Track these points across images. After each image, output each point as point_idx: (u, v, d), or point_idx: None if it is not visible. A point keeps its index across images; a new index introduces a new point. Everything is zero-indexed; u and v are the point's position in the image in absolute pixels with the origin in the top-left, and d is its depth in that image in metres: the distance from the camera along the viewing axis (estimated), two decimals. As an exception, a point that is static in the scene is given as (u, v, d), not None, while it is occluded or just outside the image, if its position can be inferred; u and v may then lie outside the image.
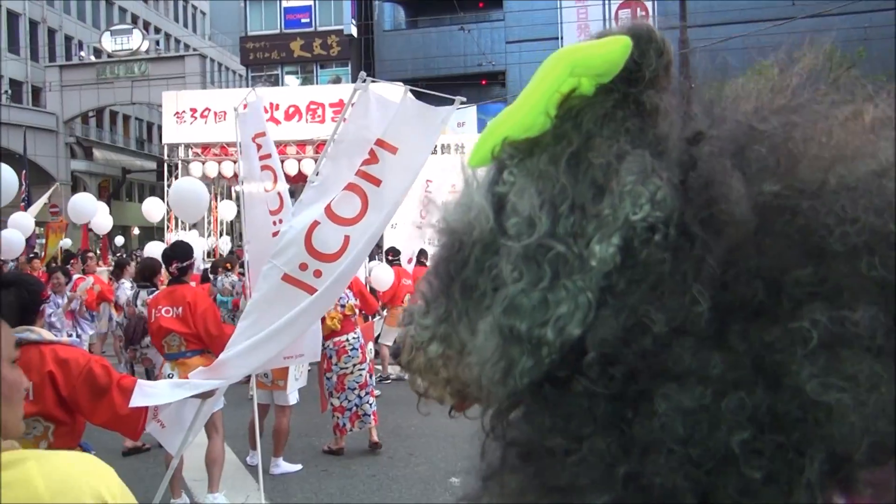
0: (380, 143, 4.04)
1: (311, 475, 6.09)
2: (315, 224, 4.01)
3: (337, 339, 6.55)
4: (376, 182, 4.04)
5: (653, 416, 0.52)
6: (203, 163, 16.44)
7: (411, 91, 4.28)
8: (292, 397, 6.15)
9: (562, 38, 31.05)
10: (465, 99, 4.42)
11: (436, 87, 4.43)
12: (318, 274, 3.98)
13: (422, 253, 11.45)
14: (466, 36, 29.15)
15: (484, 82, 30.07)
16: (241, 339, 3.90)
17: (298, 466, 6.20)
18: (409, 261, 11.31)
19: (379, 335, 9.93)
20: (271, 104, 15.32)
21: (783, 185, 0.54)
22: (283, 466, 6.03)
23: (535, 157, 0.61)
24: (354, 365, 6.59)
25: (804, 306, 0.50)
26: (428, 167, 12.60)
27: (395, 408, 7.63)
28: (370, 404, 6.62)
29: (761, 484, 0.49)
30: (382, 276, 9.57)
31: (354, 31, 32.25)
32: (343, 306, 6.61)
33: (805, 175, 0.54)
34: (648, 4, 30.21)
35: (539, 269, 0.57)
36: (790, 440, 0.49)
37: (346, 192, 4.05)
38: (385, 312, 9.66)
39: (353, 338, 6.65)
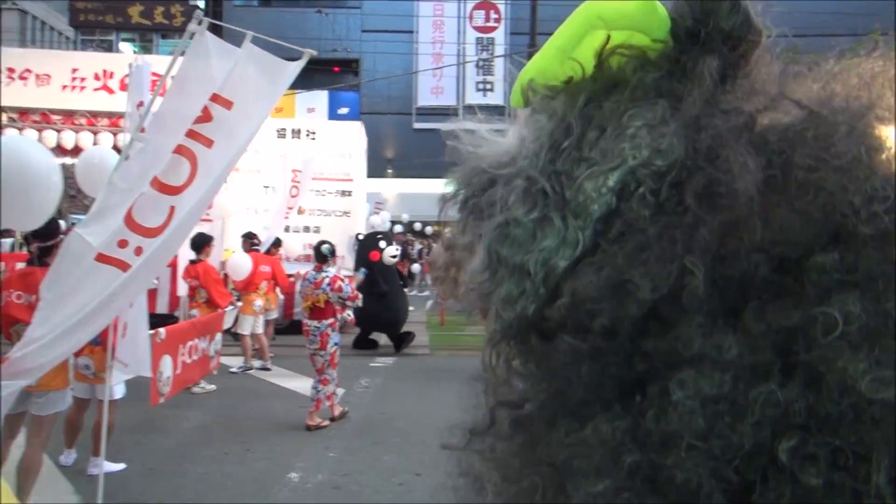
0: (215, 98, 3.58)
1: (136, 475, 5.67)
2: (139, 195, 3.53)
3: (305, 321, 7.19)
4: (208, 143, 3.58)
5: (668, 404, 0.48)
6: (20, 129, 14.82)
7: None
8: (117, 390, 5.67)
9: (417, 31, 31.23)
10: (315, 52, 4.06)
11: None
12: (139, 251, 3.49)
13: (276, 242, 11.12)
14: (322, 20, 28.52)
15: (337, 69, 29.56)
16: (40, 329, 3.36)
17: (122, 466, 5.75)
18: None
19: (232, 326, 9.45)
20: (105, 72, 14.13)
21: (812, 158, 0.50)
22: (105, 466, 5.54)
23: (556, 98, 0.61)
24: (315, 349, 7.10)
25: (833, 294, 0.47)
26: (291, 151, 12.37)
27: (231, 399, 7.30)
28: (317, 390, 7.01)
29: (822, 492, 0.45)
30: (239, 263, 9.11)
31: (202, 3, 30.48)
32: (317, 295, 7.09)
33: (838, 147, 0.50)
34: (502, 8, 31.12)
35: (531, 202, 0.57)
36: (847, 444, 0.45)
37: (175, 156, 3.56)
38: (240, 302, 9.20)
39: (315, 326, 7.09)
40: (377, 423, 7.17)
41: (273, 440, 6.58)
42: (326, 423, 7.03)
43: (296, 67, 3.85)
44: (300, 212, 12.84)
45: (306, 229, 13.10)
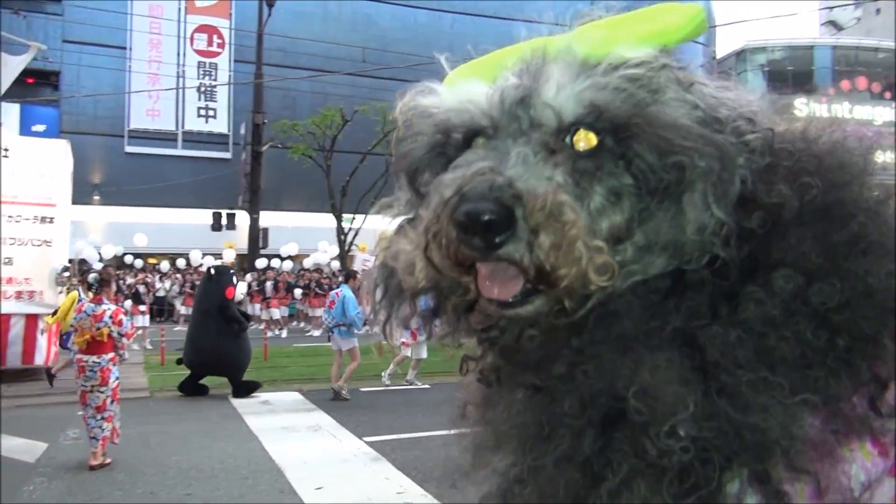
0: None
1: None
2: None
3: (80, 356, 6.78)
4: None
5: (771, 295, 0.72)
6: None
7: None
8: None
9: (130, 48, 29.06)
10: (44, 47, 3.58)
11: None
12: None
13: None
14: (15, 21, 25.05)
15: (31, 80, 26.13)
16: None
17: None
18: None
19: None
20: None
21: (816, 178, 0.79)
22: None
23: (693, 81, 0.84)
24: (93, 386, 6.73)
25: (860, 216, 0.76)
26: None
27: None
28: (101, 428, 6.66)
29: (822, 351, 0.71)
30: None
31: None
32: (98, 329, 6.74)
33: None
34: (225, 33, 30.26)
35: (725, 159, 0.79)
36: (861, 320, 0.72)
37: None
38: None
39: (95, 361, 6.75)
40: (92, 476, 6.38)
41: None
42: (110, 459, 6.71)
43: (20, 62, 3.35)
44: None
45: (-7, 260, 11.29)
